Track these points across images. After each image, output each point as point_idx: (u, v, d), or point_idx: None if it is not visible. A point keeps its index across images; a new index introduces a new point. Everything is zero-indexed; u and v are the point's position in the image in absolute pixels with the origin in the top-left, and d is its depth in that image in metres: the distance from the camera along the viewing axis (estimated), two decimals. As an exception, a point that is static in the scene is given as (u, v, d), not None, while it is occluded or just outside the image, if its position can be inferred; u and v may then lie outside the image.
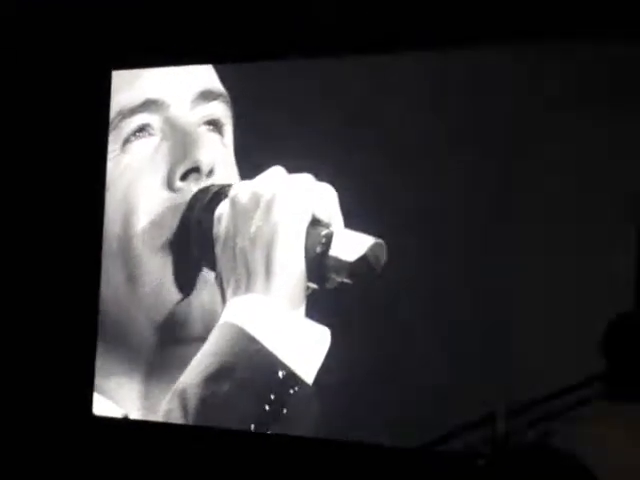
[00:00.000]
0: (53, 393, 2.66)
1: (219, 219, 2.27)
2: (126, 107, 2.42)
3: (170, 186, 2.36)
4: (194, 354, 2.22)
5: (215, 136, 2.41)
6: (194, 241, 2.33)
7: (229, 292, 2.22)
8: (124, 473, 2.53)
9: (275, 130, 2.39)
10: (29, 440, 2.66)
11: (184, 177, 2.36)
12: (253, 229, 2.19)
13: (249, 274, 2.18)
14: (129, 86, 2.48)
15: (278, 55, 2.49)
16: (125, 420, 2.44)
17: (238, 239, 2.21)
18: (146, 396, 2.42)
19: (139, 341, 2.40)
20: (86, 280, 2.60)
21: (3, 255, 2.78)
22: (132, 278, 2.38)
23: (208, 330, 2.26)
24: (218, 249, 2.26)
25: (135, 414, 2.44)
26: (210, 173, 2.36)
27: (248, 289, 2.18)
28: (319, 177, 2.23)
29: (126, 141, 2.41)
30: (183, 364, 2.26)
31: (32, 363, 2.70)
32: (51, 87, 2.75)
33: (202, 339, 2.24)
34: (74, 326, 2.64)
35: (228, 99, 2.43)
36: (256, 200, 2.21)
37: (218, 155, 2.39)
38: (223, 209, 2.26)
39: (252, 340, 2.14)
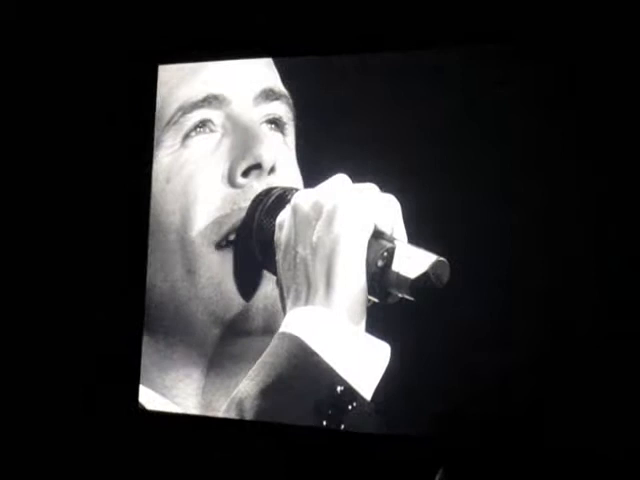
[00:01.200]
0: (100, 387, 2.68)
1: (280, 226, 2.24)
2: (187, 102, 2.40)
3: (231, 182, 2.35)
4: (253, 351, 2.22)
5: (277, 135, 2.39)
6: (256, 244, 2.31)
7: (289, 301, 2.19)
8: (171, 467, 2.55)
9: (339, 133, 2.35)
10: (74, 433, 2.69)
11: (245, 173, 2.33)
12: (314, 239, 2.16)
13: (309, 285, 2.15)
14: (189, 82, 2.46)
15: (342, 50, 2.44)
16: (172, 414, 2.44)
17: (299, 248, 2.18)
18: (203, 392, 2.41)
19: (198, 336, 2.38)
20: (132, 276, 2.59)
21: (50, 249, 2.79)
22: (190, 272, 2.36)
23: (268, 326, 2.27)
24: (279, 256, 2.23)
25: (192, 412, 2.43)
26: (272, 170, 2.34)
27: (308, 301, 2.15)
28: (383, 186, 2.17)
29: (186, 136, 2.39)
30: (241, 360, 2.27)
31: (76, 357, 2.72)
32: (97, 82, 2.74)
33: (262, 334, 2.25)
34: (120, 319, 2.65)
35: (290, 100, 2.39)
36: (318, 209, 2.17)
37: (280, 154, 2.37)
38: (285, 216, 2.23)
39: (311, 353, 2.12)
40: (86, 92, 2.78)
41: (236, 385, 2.22)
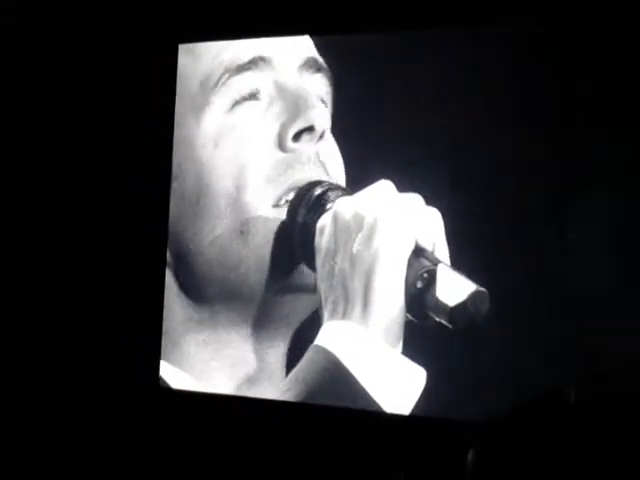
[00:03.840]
0: (121, 365, 2.66)
1: (321, 231, 2.16)
2: (233, 64, 2.32)
3: (281, 146, 2.27)
4: (301, 309, 2.24)
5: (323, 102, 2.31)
6: (298, 242, 2.24)
7: (326, 312, 2.14)
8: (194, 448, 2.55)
9: (378, 119, 2.25)
10: (100, 412, 2.70)
11: (297, 137, 2.26)
12: (354, 251, 2.09)
13: (347, 299, 2.09)
14: (234, 44, 2.37)
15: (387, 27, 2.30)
16: (194, 393, 2.43)
17: (338, 258, 2.12)
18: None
19: (247, 298, 2.31)
20: (154, 256, 2.55)
21: (74, 225, 2.75)
22: (244, 233, 2.30)
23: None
24: (318, 262, 2.17)
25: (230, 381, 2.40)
26: (321, 137, 2.26)
27: (345, 315, 2.09)
28: (426, 195, 2.08)
29: (235, 103, 2.31)
30: (289, 321, 2.27)
31: (101, 333, 2.71)
32: (118, 61, 2.67)
33: (312, 291, 2.20)
34: (143, 294, 2.62)
35: (330, 74, 2.31)
36: (359, 221, 2.09)
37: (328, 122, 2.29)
38: (326, 221, 2.16)
39: (345, 372, 2.07)
40: (108, 73, 2.70)
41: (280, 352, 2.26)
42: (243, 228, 2.29)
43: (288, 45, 2.34)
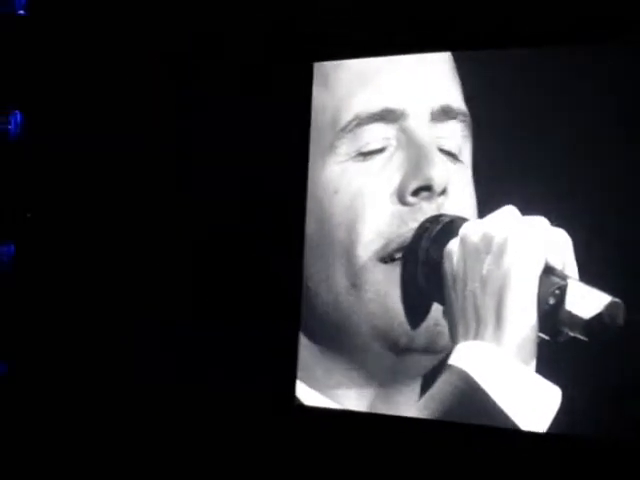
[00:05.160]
0: (258, 386, 2.68)
1: (449, 256, 2.20)
2: (363, 112, 2.35)
3: (401, 199, 2.30)
4: (415, 367, 2.27)
5: (452, 157, 2.30)
6: (421, 271, 2.27)
7: (458, 334, 2.16)
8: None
9: (518, 154, 2.25)
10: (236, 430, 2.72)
11: (415, 193, 2.28)
12: (484, 272, 2.12)
13: (478, 320, 2.12)
14: (367, 89, 2.39)
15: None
16: (328, 410, 2.44)
17: (468, 280, 2.15)
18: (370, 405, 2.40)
19: (360, 349, 2.35)
20: (290, 277, 2.56)
21: (213, 256, 2.79)
22: (355, 285, 2.34)
23: (430, 344, 2.25)
24: (447, 286, 2.20)
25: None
26: (443, 192, 2.27)
27: (477, 335, 2.12)
28: (554, 221, 2.10)
29: (360, 153, 2.34)
30: (404, 376, 2.30)
31: (240, 357, 2.73)
32: (251, 78, 2.71)
33: (423, 352, 2.25)
34: (278, 322, 2.64)
35: (468, 119, 2.30)
36: (487, 242, 2.13)
37: (453, 175, 2.29)
38: (453, 246, 2.19)
39: (479, 390, 2.09)
40: (243, 91, 2.75)
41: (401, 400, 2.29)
42: (355, 281, 2.33)
43: (420, 92, 2.34)
